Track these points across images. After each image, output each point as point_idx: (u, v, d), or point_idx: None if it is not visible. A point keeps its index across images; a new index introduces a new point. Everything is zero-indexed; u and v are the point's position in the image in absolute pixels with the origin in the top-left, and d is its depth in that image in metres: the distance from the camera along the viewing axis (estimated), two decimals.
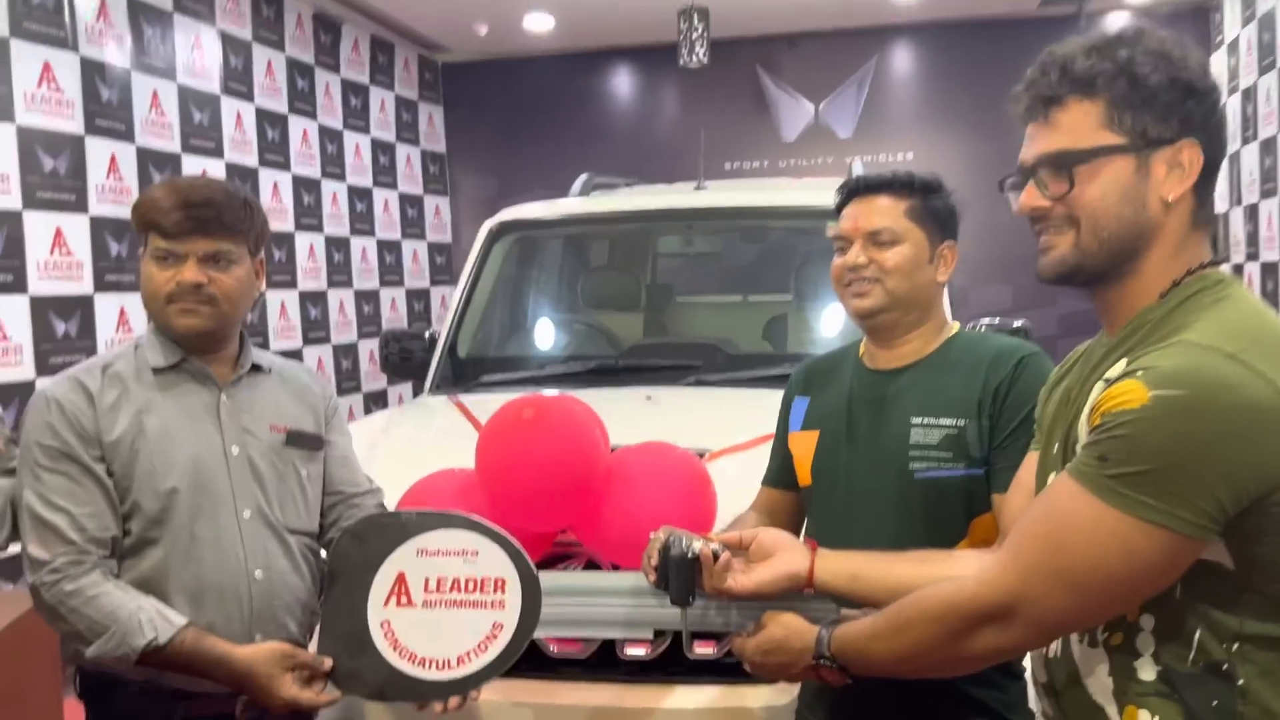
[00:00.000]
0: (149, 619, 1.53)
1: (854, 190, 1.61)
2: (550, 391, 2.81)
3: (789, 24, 6.80)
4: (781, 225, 3.68)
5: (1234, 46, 6.08)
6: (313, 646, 1.68)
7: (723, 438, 2.32)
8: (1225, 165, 6.01)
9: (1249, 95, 5.79)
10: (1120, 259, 1.11)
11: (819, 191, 3.60)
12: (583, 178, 3.85)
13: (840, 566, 1.36)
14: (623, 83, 7.44)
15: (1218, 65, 6.39)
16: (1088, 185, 1.09)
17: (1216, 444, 0.96)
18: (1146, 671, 1.05)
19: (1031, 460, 1.28)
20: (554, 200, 3.76)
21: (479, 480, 1.89)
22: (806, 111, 7.17)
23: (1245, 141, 5.87)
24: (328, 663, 1.58)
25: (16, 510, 1.62)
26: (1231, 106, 6.12)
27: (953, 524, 1.51)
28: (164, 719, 1.63)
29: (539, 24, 6.58)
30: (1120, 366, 1.06)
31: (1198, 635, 1.02)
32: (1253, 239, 5.77)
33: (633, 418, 2.46)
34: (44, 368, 3.89)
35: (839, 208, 1.64)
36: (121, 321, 4.35)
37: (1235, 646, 1.01)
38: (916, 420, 1.55)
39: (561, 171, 6.83)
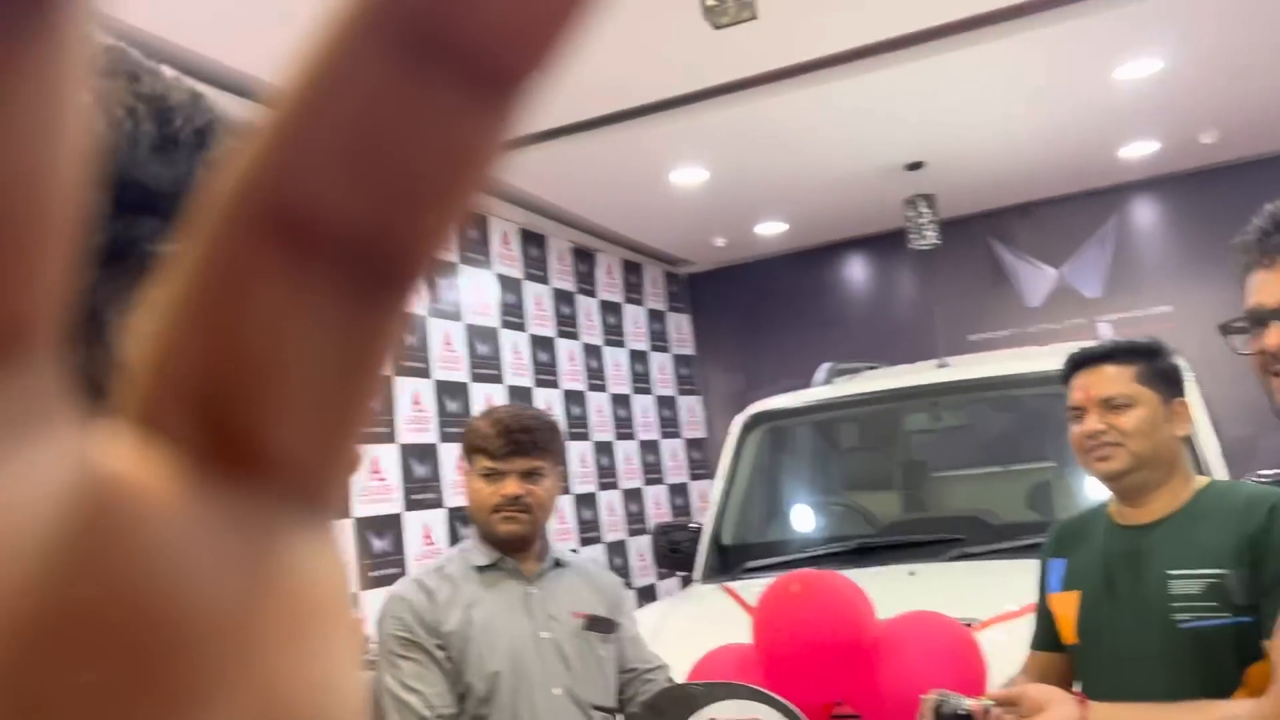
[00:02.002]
0: None
1: (1079, 363, 1.73)
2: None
3: (1018, 195, 6.90)
4: (1033, 393, 3.71)
5: None
6: None
7: (990, 607, 2.36)
8: None
9: None
10: None
11: (1063, 357, 3.64)
12: (825, 366, 4.07)
13: (1114, 716, 1.41)
14: (855, 271, 7.72)
15: None
16: None
17: None
18: None
19: None
20: (800, 390, 3.99)
21: (756, 654, 2.05)
22: (1049, 276, 7.12)
23: None
24: None
25: (377, 696, 1.95)
26: None
27: (1226, 673, 1.52)
28: None
29: (771, 229, 7.05)
30: None
31: None
32: None
33: (897, 593, 2.54)
34: (365, 581, 4.44)
35: (1065, 379, 1.76)
36: (426, 537, 4.89)
37: None
38: (1175, 573, 1.59)
39: (804, 361, 7.10)
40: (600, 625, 2.02)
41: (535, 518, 1.97)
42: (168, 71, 0.44)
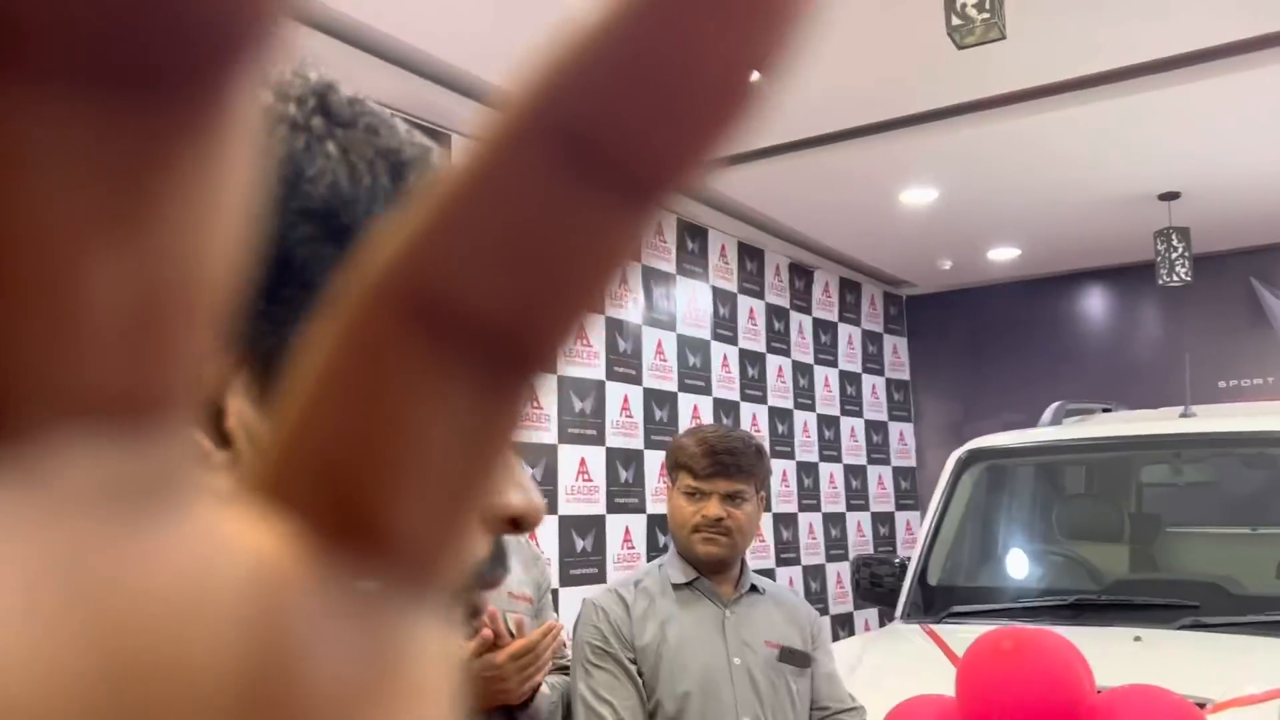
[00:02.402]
0: None
1: None
2: (1027, 624, 2.77)
3: None
4: None
5: None
6: None
7: (1228, 688, 2.15)
8: None
9: None
10: None
11: None
12: (1055, 405, 3.83)
13: None
14: (1093, 304, 7.25)
15: None
16: None
17: None
18: None
19: None
20: (1025, 429, 3.77)
21: (958, 709, 1.94)
22: None
23: None
24: None
25: (570, 700, 1.98)
26: None
27: None
28: None
29: (1003, 255, 6.73)
30: None
31: None
32: None
33: (1119, 659, 2.36)
34: (566, 579, 4.56)
35: None
36: (626, 539, 4.98)
37: None
38: None
39: (1028, 397, 6.73)
40: (795, 658, 1.98)
41: (735, 541, 1.96)
42: (400, 125, 0.45)
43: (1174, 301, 6.45)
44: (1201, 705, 2.01)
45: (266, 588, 0.10)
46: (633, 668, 1.91)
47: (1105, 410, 4.18)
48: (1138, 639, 2.58)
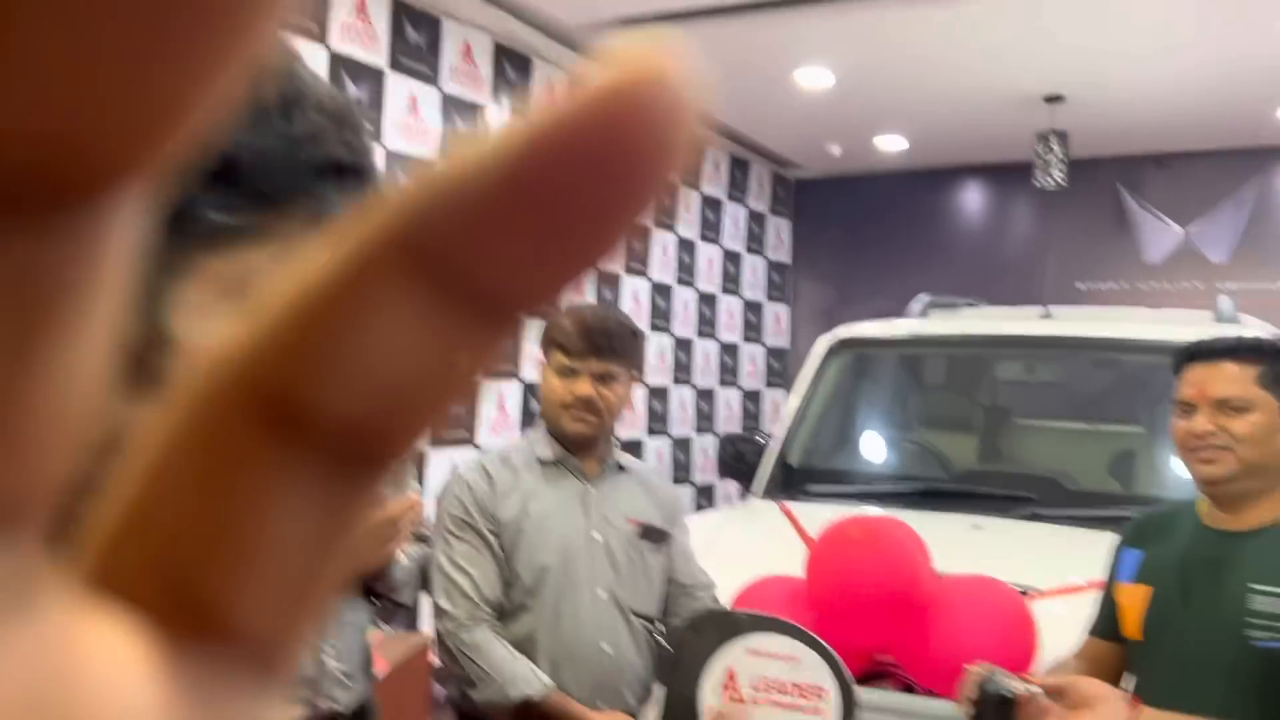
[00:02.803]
0: (526, 676, 1.81)
1: (1196, 354, 1.62)
2: (876, 510, 2.91)
3: (1156, 144, 6.50)
4: (1137, 360, 3.54)
5: None
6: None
7: (1053, 577, 2.30)
8: None
9: None
10: None
11: (1179, 327, 3.45)
12: (922, 298, 3.94)
13: None
14: (971, 199, 7.42)
15: None
16: None
17: None
18: None
19: None
20: (893, 320, 3.87)
21: (807, 591, 2.03)
22: (1174, 234, 6.76)
23: None
24: None
25: (427, 570, 1.99)
26: None
27: None
28: None
29: (891, 144, 6.78)
30: None
31: None
32: None
33: (958, 546, 2.49)
34: (435, 441, 4.53)
35: (1177, 367, 1.65)
36: (499, 406, 4.97)
37: None
38: (1259, 588, 1.51)
39: (901, 284, 6.91)
40: (653, 535, 2.02)
41: (603, 421, 1.96)
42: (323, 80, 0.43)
43: (1046, 203, 6.65)
44: (1027, 593, 2.15)
45: (114, 689, 0.11)
46: (493, 540, 1.92)
47: (969, 305, 4.32)
48: (977, 527, 2.74)
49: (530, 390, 5.10)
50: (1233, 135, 6.25)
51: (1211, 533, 1.61)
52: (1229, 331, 3.29)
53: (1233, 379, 1.58)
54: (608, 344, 1.92)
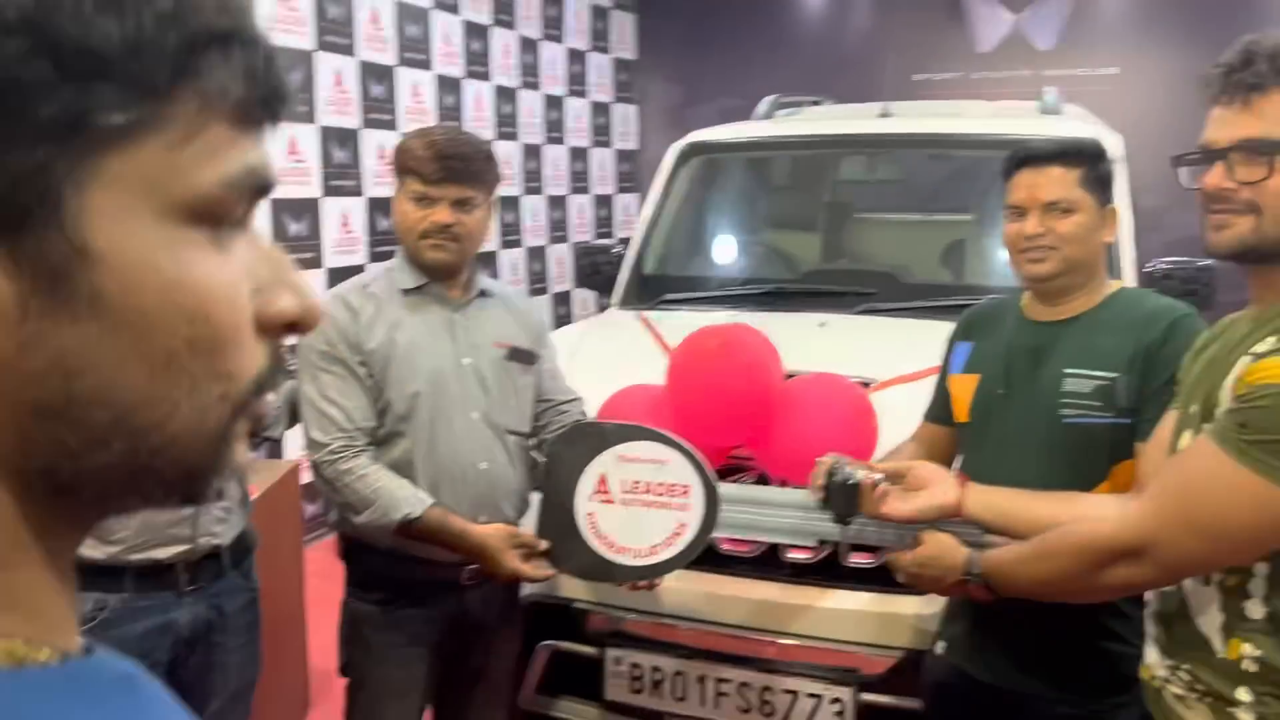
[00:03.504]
0: (406, 497, 1.88)
1: (1025, 160, 1.72)
2: (729, 314, 3.03)
3: None
4: (969, 154, 3.70)
5: None
6: (524, 530, 2.00)
7: (889, 368, 2.48)
8: None
9: None
10: None
11: (1007, 120, 3.61)
12: (768, 100, 3.96)
13: (988, 500, 1.55)
14: None
15: None
16: (1276, 177, 1.20)
17: None
18: (1256, 611, 1.21)
19: (1170, 417, 1.42)
20: (740, 123, 3.90)
21: (668, 397, 2.14)
22: (1004, 21, 6.91)
23: None
24: (544, 544, 1.90)
25: (296, 405, 1.99)
26: None
27: (1096, 468, 1.66)
28: (405, 578, 2.00)
29: None
30: (1269, 343, 1.19)
31: None
32: None
33: (806, 343, 2.65)
34: None
35: (1007, 173, 1.76)
36: (344, 224, 4.82)
37: None
38: (1070, 371, 1.69)
39: (748, 82, 6.90)
40: (521, 356, 2.07)
41: (464, 247, 1.95)
42: None
43: None
44: (866, 385, 2.32)
45: None
46: (361, 370, 1.93)
47: (815, 103, 4.38)
48: (823, 324, 2.89)
49: (376, 207, 4.95)
50: None
51: (1032, 324, 1.77)
52: (1053, 123, 3.48)
53: (1059, 181, 1.69)
54: (464, 168, 1.90)
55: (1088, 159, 1.71)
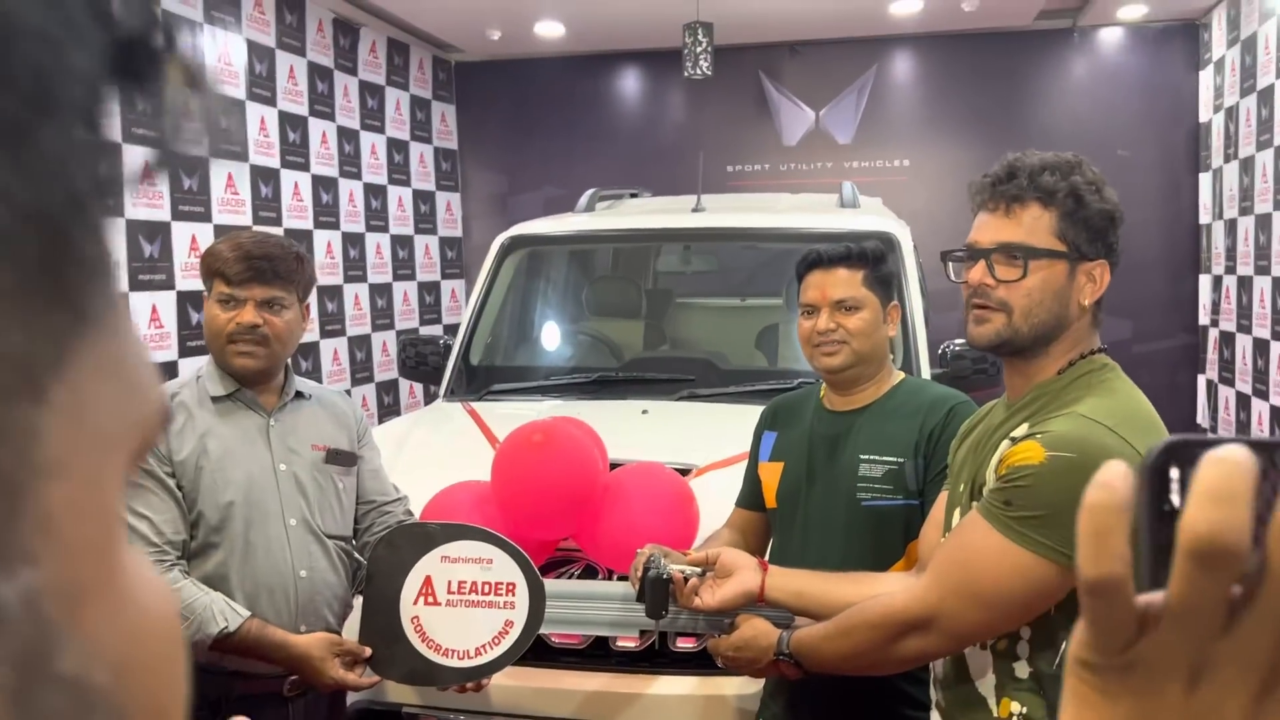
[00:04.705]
0: (220, 610, 1.82)
1: (815, 262, 1.88)
2: (555, 403, 3.09)
3: (791, 33, 7.02)
4: (775, 247, 3.92)
5: (1220, 65, 6.31)
6: (348, 635, 1.97)
7: (709, 453, 2.59)
8: (1210, 180, 6.26)
9: (1231, 114, 6.03)
10: (1040, 342, 1.38)
11: (810, 215, 3.87)
12: (589, 193, 4.11)
13: (786, 584, 1.64)
14: (629, 86, 7.67)
15: (1205, 82, 6.61)
16: (1033, 278, 1.36)
17: None
18: (1021, 670, 1.34)
19: (942, 496, 1.56)
20: (562, 216, 4.02)
21: (493, 493, 2.17)
22: (807, 117, 7.40)
23: (1227, 159, 6.11)
24: (368, 651, 1.87)
25: None
26: (1216, 123, 6.36)
27: (892, 546, 1.79)
28: (222, 695, 1.92)
29: (550, 30, 6.82)
30: (1023, 429, 1.34)
31: (1064, 642, 1.31)
32: (1230, 253, 6.03)
33: (629, 431, 2.73)
34: None
35: (800, 275, 1.91)
36: (153, 318, 4.63)
37: None
38: (864, 457, 1.82)
39: (569, 171, 7.11)
40: (341, 459, 2.06)
41: (273, 351, 1.93)
42: None
43: (697, 88, 7.02)
44: (686, 472, 2.42)
45: None
46: (170, 481, 1.87)
47: (633, 195, 4.56)
48: (645, 411, 2.99)
49: (186, 300, 4.79)
50: (855, 25, 6.88)
51: (829, 413, 1.91)
52: (850, 216, 3.75)
53: (845, 282, 1.85)
54: (270, 267, 1.89)
55: (870, 261, 1.87)
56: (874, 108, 7.28)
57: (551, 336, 3.97)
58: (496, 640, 1.86)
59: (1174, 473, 0.36)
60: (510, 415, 2.86)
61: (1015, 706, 1.34)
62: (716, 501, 2.20)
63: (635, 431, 2.81)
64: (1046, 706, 1.31)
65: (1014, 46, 6.91)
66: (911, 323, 3.13)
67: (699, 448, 2.63)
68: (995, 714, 1.36)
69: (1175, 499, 0.35)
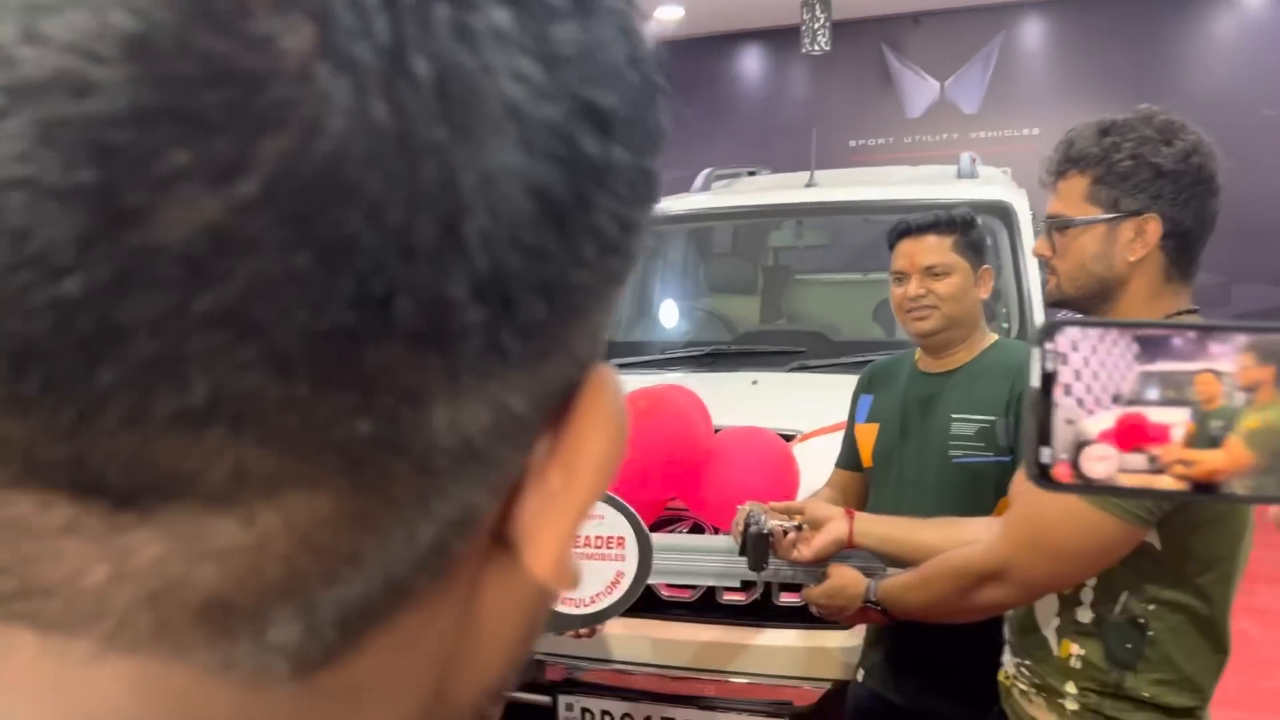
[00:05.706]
0: None
1: (904, 231, 1.95)
2: (672, 375, 3.22)
3: (913, 3, 6.94)
4: (890, 218, 3.93)
5: None
6: None
7: (814, 420, 2.67)
8: None
9: None
10: (1094, 301, 1.44)
11: (925, 185, 3.87)
12: (704, 173, 4.22)
13: (873, 529, 1.72)
14: (748, 65, 7.72)
15: None
16: (1072, 244, 1.43)
17: None
18: (1084, 615, 1.40)
19: None
20: (679, 196, 4.14)
21: None
22: (931, 88, 7.29)
23: None
24: None
25: None
26: None
27: (983, 503, 1.85)
28: None
29: (669, 14, 6.94)
30: None
31: (1124, 595, 1.37)
32: None
33: (737, 400, 2.83)
34: None
35: (891, 244, 1.98)
36: None
37: (1152, 607, 1.35)
38: (956, 416, 1.89)
39: (689, 153, 7.20)
40: None
41: None
42: None
43: (816, 63, 7.02)
44: (790, 437, 2.51)
45: None
46: None
47: (750, 174, 4.64)
48: (755, 382, 3.09)
49: None
50: None
51: (922, 375, 1.98)
52: (967, 186, 3.74)
53: (934, 248, 1.91)
54: None
55: (959, 227, 1.93)
56: (1001, 75, 7.12)
57: (669, 313, 4.10)
58: (609, 589, 2.00)
59: (1048, 345, 0.47)
60: (626, 387, 3.00)
61: (1074, 648, 1.40)
62: (820, 466, 2.28)
63: (744, 400, 2.91)
64: (1104, 651, 1.37)
65: (1151, 5, 6.64)
66: (1026, 288, 3.13)
67: (804, 415, 2.71)
68: (1055, 653, 1.42)
69: (1049, 364, 0.47)
